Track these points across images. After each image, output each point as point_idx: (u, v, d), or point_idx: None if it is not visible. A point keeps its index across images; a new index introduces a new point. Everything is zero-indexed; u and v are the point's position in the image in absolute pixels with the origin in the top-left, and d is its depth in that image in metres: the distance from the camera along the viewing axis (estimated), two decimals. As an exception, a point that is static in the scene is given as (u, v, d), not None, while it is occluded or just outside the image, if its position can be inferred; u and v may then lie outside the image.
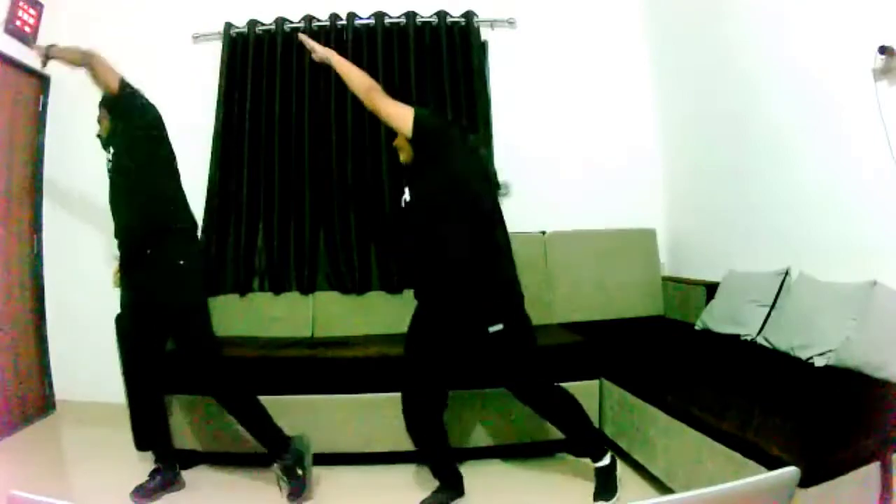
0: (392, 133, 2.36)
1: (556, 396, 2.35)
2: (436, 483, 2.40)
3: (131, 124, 2.42)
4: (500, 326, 2.17)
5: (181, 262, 2.42)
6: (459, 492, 2.40)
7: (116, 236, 2.47)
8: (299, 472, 2.40)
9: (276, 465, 2.42)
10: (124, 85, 2.38)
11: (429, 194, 2.23)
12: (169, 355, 2.56)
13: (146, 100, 2.48)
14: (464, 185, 2.21)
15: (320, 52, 2.41)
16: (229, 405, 2.46)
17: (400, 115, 2.20)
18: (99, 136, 2.54)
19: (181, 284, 2.43)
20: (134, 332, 2.50)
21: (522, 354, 2.29)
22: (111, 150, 2.48)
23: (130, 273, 2.49)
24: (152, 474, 2.48)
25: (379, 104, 2.24)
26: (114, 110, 2.45)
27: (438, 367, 2.29)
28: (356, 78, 2.31)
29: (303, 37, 2.50)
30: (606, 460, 2.32)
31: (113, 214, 2.47)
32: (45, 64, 2.58)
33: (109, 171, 2.48)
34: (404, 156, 2.30)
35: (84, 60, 2.40)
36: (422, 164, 2.25)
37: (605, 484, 2.31)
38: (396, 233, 2.30)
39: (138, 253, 2.41)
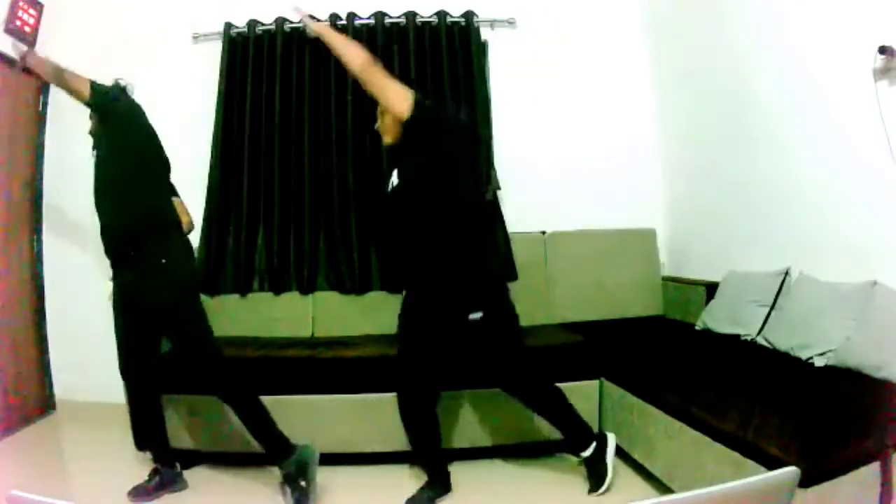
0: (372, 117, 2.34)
1: (543, 389, 2.41)
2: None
3: (109, 123, 2.41)
4: (479, 315, 2.18)
5: (163, 261, 2.38)
6: (447, 488, 2.42)
7: (102, 235, 2.44)
8: (302, 483, 2.32)
9: (279, 471, 2.39)
10: (96, 89, 2.35)
11: (415, 180, 2.22)
12: (168, 355, 2.56)
13: (126, 99, 2.47)
14: (449, 173, 2.20)
15: (313, 27, 2.36)
16: (230, 402, 2.45)
17: (399, 95, 2.16)
18: (91, 133, 2.53)
19: (163, 283, 2.38)
20: (124, 331, 2.48)
21: (504, 344, 2.31)
22: (96, 149, 2.47)
23: (117, 273, 2.48)
24: (151, 474, 2.48)
25: (377, 79, 2.17)
26: (93, 112, 2.44)
27: (428, 354, 2.30)
28: (352, 51, 2.22)
29: (297, 8, 2.39)
30: (590, 450, 2.39)
31: (98, 214, 2.44)
32: (21, 68, 2.58)
33: (94, 168, 2.46)
34: (389, 138, 2.28)
35: (55, 78, 2.41)
36: (410, 149, 2.22)
37: (592, 473, 2.38)
38: (380, 218, 2.28)
39: (122, 253, 2.40)
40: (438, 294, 2.22)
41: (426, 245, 2.20)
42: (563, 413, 2.43)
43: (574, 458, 2.64)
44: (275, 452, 2.40)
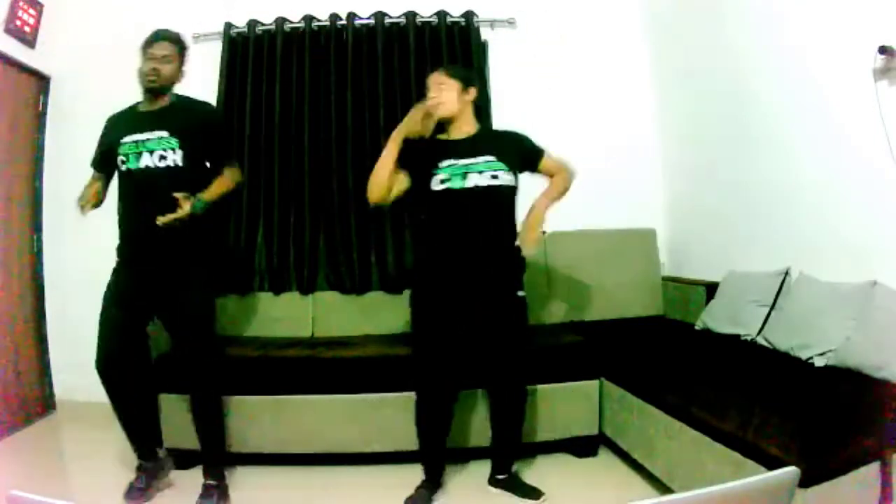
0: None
1: (527, 395, 2.47)
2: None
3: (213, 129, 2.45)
4: (524, 293, 2.34)
5: (205, 271, 2.42)
6: (440, 484, 2.46)
7: (134, 235, 2.35)
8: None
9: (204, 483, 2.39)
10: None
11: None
12: (167, 355, 2.57)
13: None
14: None
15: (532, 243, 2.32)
16: (206, 405, 2.43)
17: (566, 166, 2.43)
18: (154, 81, 2.32)
19: (205, 295, 2.44)
20: (116, 324, 2.34)
21: (527, 324, 2.43)
22: (172, 139, 2.29)
23: (131, 265, 2.36)
24: (137, 471, 2.44)
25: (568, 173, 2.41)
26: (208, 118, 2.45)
27: (473, 339, 2.32)
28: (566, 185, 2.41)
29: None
30: (515, 467, 2.50)
31: (137, 215, 2.30)
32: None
33: (159, 159, 2.28)
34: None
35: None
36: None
37: (527, 485, 2.43)
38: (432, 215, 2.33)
39: (159, 252, 2.30)
40: (501, 275, 2.31)
41: (494, 234, 2.32)
42: (522, 423, 2.49)
43: (573, 458, 2.65)
44: (217, 461, 2.43)
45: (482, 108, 3.55)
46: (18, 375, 3.32)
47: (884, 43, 2.19)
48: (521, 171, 2.35)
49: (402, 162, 2.29)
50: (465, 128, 2.35)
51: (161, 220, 2.20)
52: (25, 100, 3.45)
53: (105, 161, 2.44)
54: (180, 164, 2.30)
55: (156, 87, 2.34)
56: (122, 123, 2.41)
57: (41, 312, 3.56)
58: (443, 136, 2.35)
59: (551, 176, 2.41)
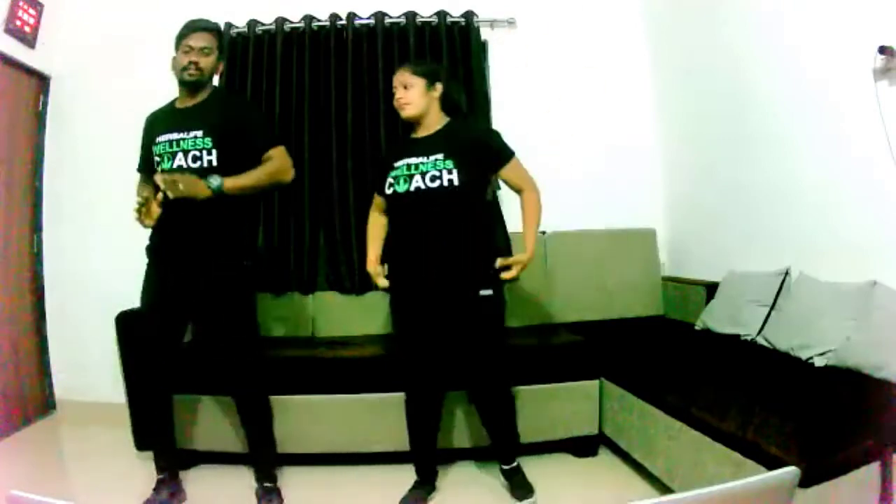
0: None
1: (510, 394, 2.48)
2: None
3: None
4: (489, 291, 2.24)
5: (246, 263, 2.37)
6: (434, 486, 2.46)
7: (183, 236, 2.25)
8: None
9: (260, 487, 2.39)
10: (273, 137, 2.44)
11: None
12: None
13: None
14: None
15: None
16: (251, 404, 2.42)
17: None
18: (194, 74, 2.24)
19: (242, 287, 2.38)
20: (161, 329, 2.31)
21: (499, 325, 2.37)
22: (206, 139, 2.21)
23: (173, 232, 2.25)
24: (158, 487, 2.35)
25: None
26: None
27: (437, 339, 2.31)
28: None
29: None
30: (516, 462, 2.45)
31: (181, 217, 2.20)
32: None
33: (193, 160, 2.21)
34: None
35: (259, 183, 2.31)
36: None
37: (523, 483, 2.41)
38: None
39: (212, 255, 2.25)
40: (460, 271, 2.26)
41: (459, 230, 2.28)
42: (513, 423, 2.49)
43: (573, 458, 2.65)
44: (269, 469, 2.43)
45: (482, 108, 3.58)
46: (18, 375, 3.32)
47: (884, 43, 2.19)
48: (481, 170, 2.29)
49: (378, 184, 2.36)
50: (433, 125, 2.32)
51: (160, 178, 2.08)
52: (25, 100, 3.45)
53: (149, 163, 2.36)
54: (215, 164, 2.22)
55: (195, 81, 2.28)
56: (160, 122, 2.35)
57: (41, 312, 3.55)
58: (414, 135, 2.34)
59: (515, 188, 2.35)
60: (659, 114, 3.87)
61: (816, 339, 2.33)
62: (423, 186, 2.20)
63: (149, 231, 2.30)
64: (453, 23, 3.63)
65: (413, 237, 2.26)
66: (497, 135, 2.38)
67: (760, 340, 2.65)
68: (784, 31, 2.75)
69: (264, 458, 2.48)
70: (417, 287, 2.27)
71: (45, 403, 3.52)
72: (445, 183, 2.18)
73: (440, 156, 2.22)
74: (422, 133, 2.33)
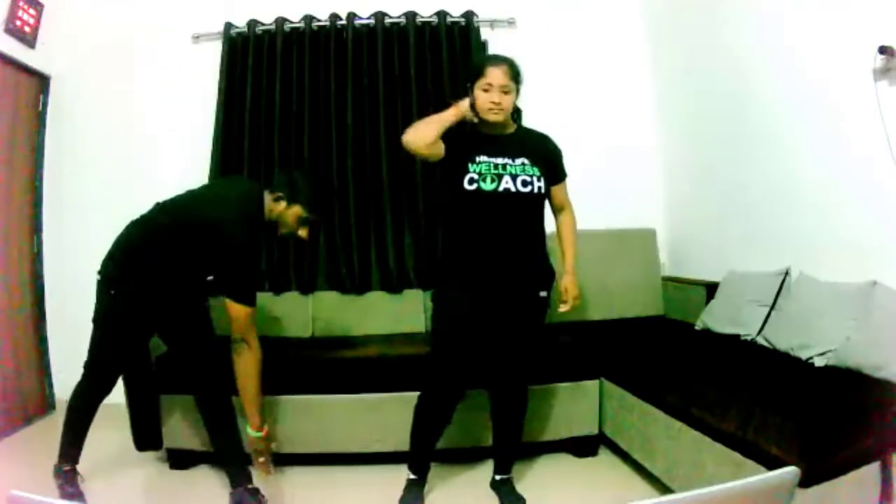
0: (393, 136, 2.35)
1: (527, 394, 2.46)
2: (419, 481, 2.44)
3: None
4: (545, 293, 2.35)
5: None
6: (425, 481, 2.46)
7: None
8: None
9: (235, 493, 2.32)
10: None
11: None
12: (167, 355, 2.57)
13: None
14: None
15: None
16: (211, 407, 2.39)
17: None
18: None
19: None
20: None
21: (543, 327, 2.43)
22: None
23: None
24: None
25: None
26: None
27: (491, 336, 2.30)
28: None
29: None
30: (512, 473, 2.47)
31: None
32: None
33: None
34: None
35: None
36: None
37: (510, 493, 2.40)
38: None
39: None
40: (529, 275, 2.32)
41: (527, 234, 2.31)
42: (523, 421, 2.47)
43: (573, 458, 2.64)
44: (239, 472, 2.35)
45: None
46: (18, 375, 3.32)
47: (884, 43, 2.19)
48: (548, 181, 2.31)
49: (446, 134, 2.21)
50: (509, 127, 2.29)
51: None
52: (25, 99, 3.44)
53: None
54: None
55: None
56: None
57: (41, 312, 3.56)
58: (485, 130, 2.26)
59: (557, 206, 2.39)
60: (659, 114, 3.87)
61: (816, 339, 2.33)
62: (513, 189, 2.19)
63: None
64: (453, 23, 3.63)
65: (493, 236, 2.23)
66: (560, 154, 2.40)
67: (760, 340, 2.65)
68: (784, 31, 2.75)
69: (236, 461, 2.38)
70: (488, 284, 2.24)
71: (45, 403, 3.52)
72: (536, 190, 2.22)
73: (525, 161, 2.23)
74: (498, 130, 2.27)
